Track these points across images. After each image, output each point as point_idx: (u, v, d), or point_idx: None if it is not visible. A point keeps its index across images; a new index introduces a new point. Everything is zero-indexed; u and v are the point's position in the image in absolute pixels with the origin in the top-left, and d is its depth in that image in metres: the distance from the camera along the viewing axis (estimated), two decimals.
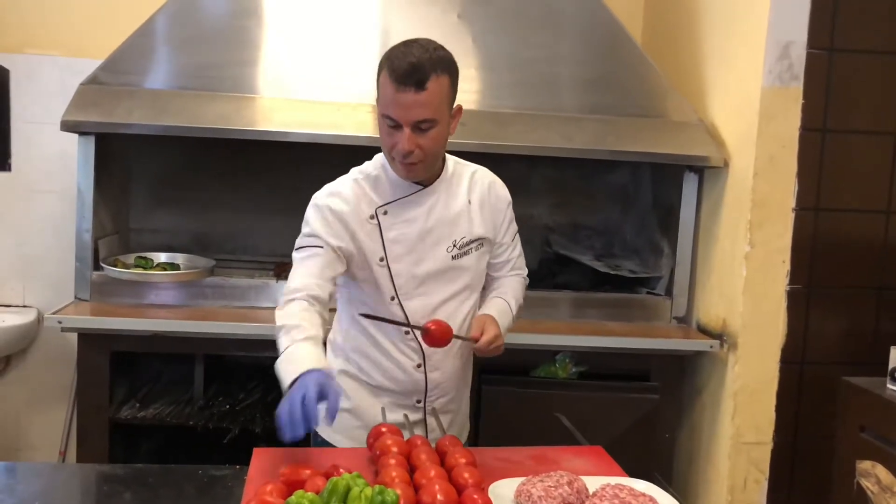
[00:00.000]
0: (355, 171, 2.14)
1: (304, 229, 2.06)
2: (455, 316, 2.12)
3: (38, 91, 3.63)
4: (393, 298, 2.08)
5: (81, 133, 3.03)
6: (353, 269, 2.08)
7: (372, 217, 2.06)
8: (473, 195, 2.16)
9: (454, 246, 2.11)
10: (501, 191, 2.24)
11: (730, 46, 3.16)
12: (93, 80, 3.13)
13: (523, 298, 2.35)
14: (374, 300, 2.10)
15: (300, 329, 1.86)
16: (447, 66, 1.95)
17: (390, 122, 1.94)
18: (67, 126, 2.98)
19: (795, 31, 2.87)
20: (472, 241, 2.14)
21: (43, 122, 3.59)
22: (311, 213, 2.07)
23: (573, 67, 3.39)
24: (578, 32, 3.40)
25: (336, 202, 2.06)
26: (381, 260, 2.07)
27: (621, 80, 3.38)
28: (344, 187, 2.09)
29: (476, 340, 2.07)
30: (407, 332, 2.10)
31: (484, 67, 3.33)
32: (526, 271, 2.38)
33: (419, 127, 1.93)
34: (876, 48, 2.92)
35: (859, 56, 2.91)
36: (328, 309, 2.00)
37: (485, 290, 2.28)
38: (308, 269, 1.99)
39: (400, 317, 2.08)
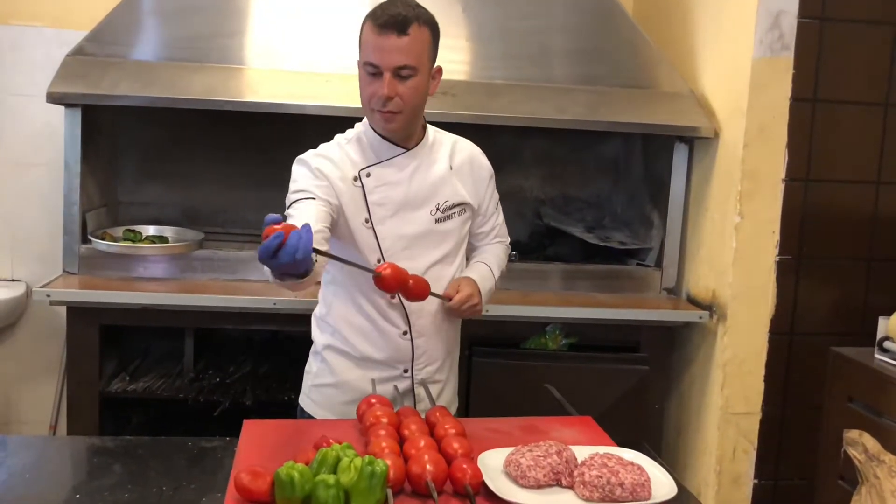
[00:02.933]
0: (338, 137, 2.17)
1: (293, 186, 2.06)
2: (440, 280, 2.13)
3: (23, 63, 3.58)
4: (379, 261, 2.08)
5: (67, 105, 3.00)
6: (337, 231, 2.07)
7: (355, 179, 2.08)
8: (455, 162, 2.18)
9: (437, 209, 2.13)
10: (483, 160, 2.26)
11: (721, 16, 3.14)
12: (79, 52, 3.10)
13: (506, 265, 2.38)
14: (362, 262, 2.08)
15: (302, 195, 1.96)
16: (428, 21, 1.99)
17: (371, 69, 1.96)
18: (53, 98, 2.95)
19: None
20: (454, 206, 2.15)
21: (29, 94, 3.55)
22: (298, 170, 2.08)
23: (564, 38, 3.37)
24: (570, 3, 3.37)
25: (322, 162, 2.07)
26: (367, 221, 2.07)
27: (612, 50, 3.36)
28: (329, 150, 2.12)
29: (450, 299, 2.09)
30: (393, 297, 2.08)
31: (474, 38, 3.31)
32: (508, 239, 2.41)
33: (399, 73, 1.95)
34: (867, 17, 2.91)
35: (850, 25, 2.90)
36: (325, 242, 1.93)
37: (468, 258, 2.29)
38: (300, 218, 1.87)
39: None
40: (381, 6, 1.97)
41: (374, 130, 2.09)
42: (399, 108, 1.98)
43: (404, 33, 1.92)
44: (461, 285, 2.12)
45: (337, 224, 2.06)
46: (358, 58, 2.02)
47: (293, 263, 1.60)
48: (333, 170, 2.06)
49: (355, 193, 2.07)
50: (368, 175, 2.08)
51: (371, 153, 2.10)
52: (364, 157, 2.10)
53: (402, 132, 2.07)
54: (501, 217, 2.36)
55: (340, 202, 2.05)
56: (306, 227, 1.62)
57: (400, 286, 1.93)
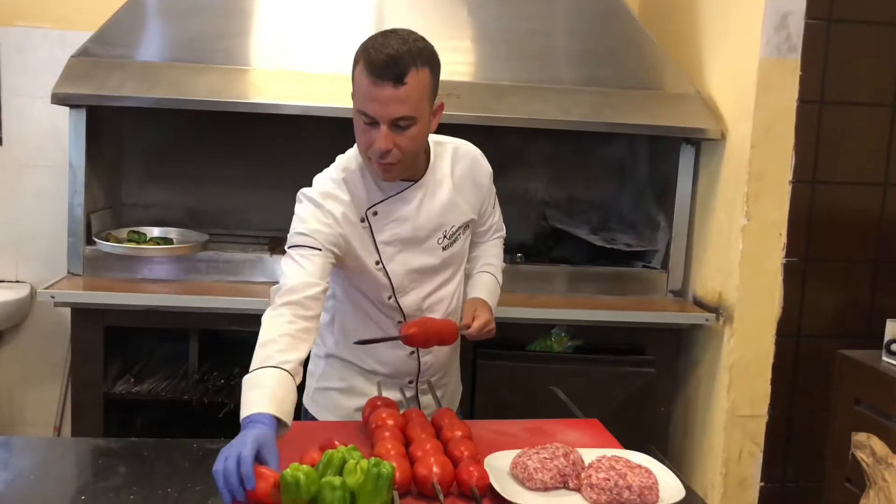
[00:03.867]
0: (339, 171, 2.00)
1: (299, 226, 1.92)
2: (444, 300, 2.11)
3: (28, 64, 3.59)
4: (390, 297, 2.05)
5: (72, 106, 3.00)
6: (345, 267, 2.01)
7: (363, 220, 1.98)
8: (456, 176, 2.08)
9: (444, 237, 2.06)
10: (483, 163, 2.16)
11: (728, 17, 3.13)
12: (83, 53, 3.09)
13: (503, 259, 2.36)
14: (367, 299, 2.08)
15: (277, 349, 1.74)
16: (428, 59, 1.82)
17: (366, 119, 1.82)
18: (58, 99, 2.94)
19: (794, 0, 2.84)
20: (458, 228, 2.10)
21: (33, 95, 3.56)
22: (306, 210, 1.94)
23: (569, 39, 3.36)
24: (575, 3, 3.36)
25: (331, 204, 1.94)
26: (377, 263, 2.01)
27: (618, 51, 3.35)
28: (335, 188, 1.97)
29: (467, 327, 2.06)
30: (400, 322, 2.06)
31: (479, 39, 3.30)
32: (504, 230, 2.37)
33: (397, 125, 1.81)
34: (875, 18, 2.89)
35: (858, 26, 2.89)
36: (321, 310, 1.90)
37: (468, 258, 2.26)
38: (305, 269, 1.86)
39: (395, 309, 2.06)
40: (375, 43, 1.79)
41: None
42: (397, 160, 1.85)
43: (401, 83, 1.76)
44: (477, 311, 2.08)
45: (344, 263, 1.98)
46: (351, 92, 1.85)
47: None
48: (342, 212, 1.94)
49: (363, 235, 1.98)
50: (375, 213, 1.98)
51: (376, 189, 1.98)
52: (368, 193, 1.98)
53: (401, 176, 1.96)
54: (499, 211, 2.30)
55: (348, 246, 1.96)
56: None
57: (426, 340, 1.96)
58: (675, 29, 3.58)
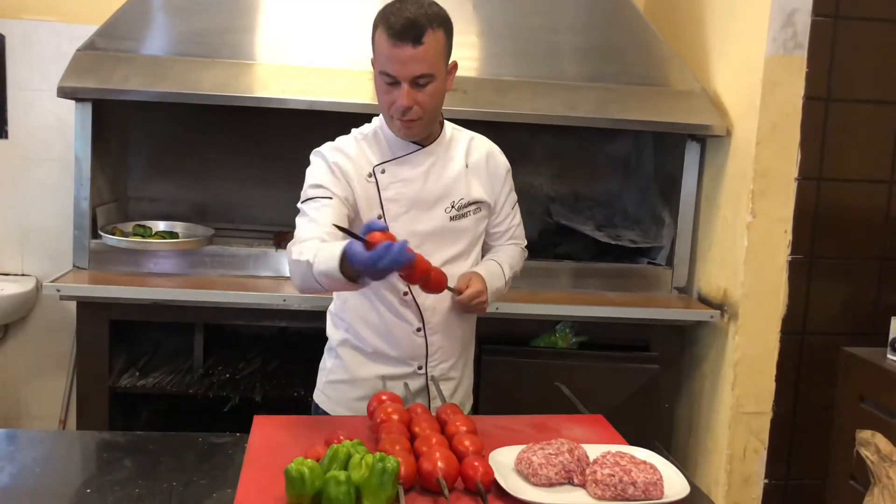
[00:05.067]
0: (354, 132, 2.15)
1: (310, 180, 2.05)
2: (452, 279, 2.11)
3: (34, 57, 3.59)
4: None
5: (78, 100, 3.00)
6: (352, 227, 2.06)
7: (370, 175, 2.07)
8: (471, 159, 2.16)
9: (452, 207, 2.12)
10: (500, 157, 2.24)
11: (734, 14, 3.13)
12: (89, 46, 3.09)
13: (521, 268, 2.36)
14: None
15: (316, 245, 1.86)
16: (443, 22, 1.96)
17: (388, 80, 1.95)
18: (64, 92, 2.95)
19: None
20: (470, 204, 2.14)
21: (39, 89, 3.56)
22: (315, 164, 2.08)
23: (575, 35, 3.36)
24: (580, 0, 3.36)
25: (339, 157, 2.07)
26: (379, 218, 2.06)
27: (623, 47, 3.34)
28: (346, 144, 2.10)
29: (460, 292, 2.07)
30: (406, 294, 2.10)
31: (484, 35, 3.30)
32: (525, 242, 2.38)
33: (417, 82, 1.94)
34: (881, 15, 2.88)
35: (864, 23, 2.88)
36: None
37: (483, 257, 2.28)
38: (318, 220, 1.96)
39: (399, 279, 2.06)
40: (393, 7, 1.93)
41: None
42: (418, 116, 1.98)
43: (420, 42, 1.90)
44: (472, 280, 2.10)
45: (353, 222, 2.06)
46: (372, 58, 2.00)
47: (388, 272, 1.70)
48: (349, 165, 2.06)
49: (369, 189, 2.07)
50: (383, 171, 2.08)
51: (387, 149, 2.09)
52: (380, 153, 2.10)
53: (422, 134, 2.07)
54: (518, 219, 2.34)
55: (355, 198, 2.05)
56: (404, 242, 1.67)
57: (422, 276, 1.93)
58: (681, 25, 3.57)
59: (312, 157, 2.10)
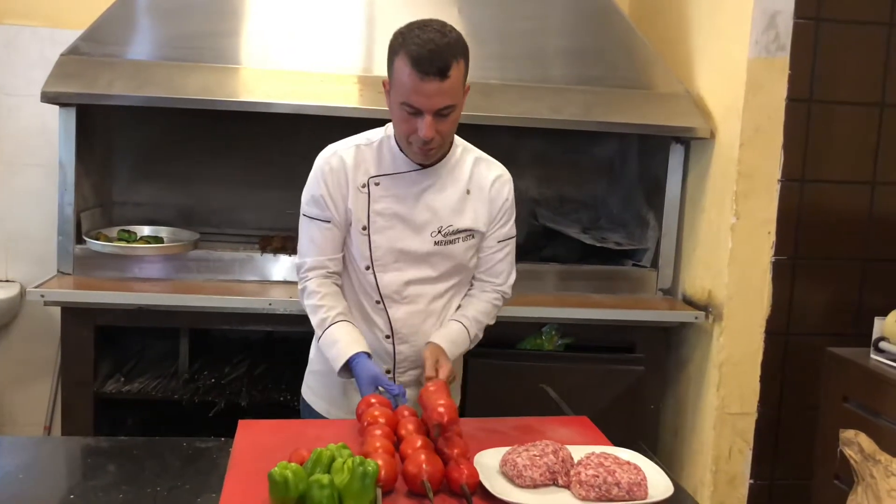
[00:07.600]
0: (359, 138, 2.13)
1: (309, 190, 2.10)
2: (426, 297, 2.13)
3: (17, 62, 3.57)
4: (368, 268, 2.09)
5: (62, 105, 2.99)
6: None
7: (364, 186, 2.07)
8: (473, 184, 2.12)
9: (439, 232, 2.09)
10: (505, 189, 2.17)
11: (717, 17, 3.15)
12: (73, 51, 3.08)
13: (493, 320, 2.28)
14: (351, 267, 2.13)
15: (328, 308, 2.07)
16: (463, 50, 1.93)
17: (410, 110, 1.91)
18: (48, 98, 2.93)
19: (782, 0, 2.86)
20: (459, 231, 2.11)
21: (23, 93, 3.54)
22: (313, 176, 2.10)
23: (560, 38, 3.37)
24: (565, 3, 3.37)
25: (336, 161, 2.07)
26: (364, 228, 2.07)
27: (608, 51, 3.35)
28: (346, 151, 2.09)
29: (430, 380, 1.98)
30: (378, 302, 2.12)
31: (470, 38, 3.18)
32: (508, 290, 2.28)
33: (440, 113, 1.91)
34: (863, 18, 2.91)
35: (846, 26, 2.90)
36: (340, 266, 2.15)
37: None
38: (320, 245, 2.09)
39: (372, 285, 2.10)
40: (414, 35, 1.88)
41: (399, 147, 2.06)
42: (439, 145, 1.98)
43: (446, 77, 1.87)
44: (440, 362, 2.03)
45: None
46: (385, 79, 1.98)
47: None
48: (343, 178, 2.07)
49: (360, 200, 2.07)
50: (377, 184, 2.07)
51: (389, 162, 2.08)
52: (380, 164, 2.08)
53: (439, 158, 2.07)
54: (507, 260, 2.23)
55: (346, 209, 2.08)
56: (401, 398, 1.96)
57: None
58: (665, 28, 3.59)
59: (315, 165, 2.11)
